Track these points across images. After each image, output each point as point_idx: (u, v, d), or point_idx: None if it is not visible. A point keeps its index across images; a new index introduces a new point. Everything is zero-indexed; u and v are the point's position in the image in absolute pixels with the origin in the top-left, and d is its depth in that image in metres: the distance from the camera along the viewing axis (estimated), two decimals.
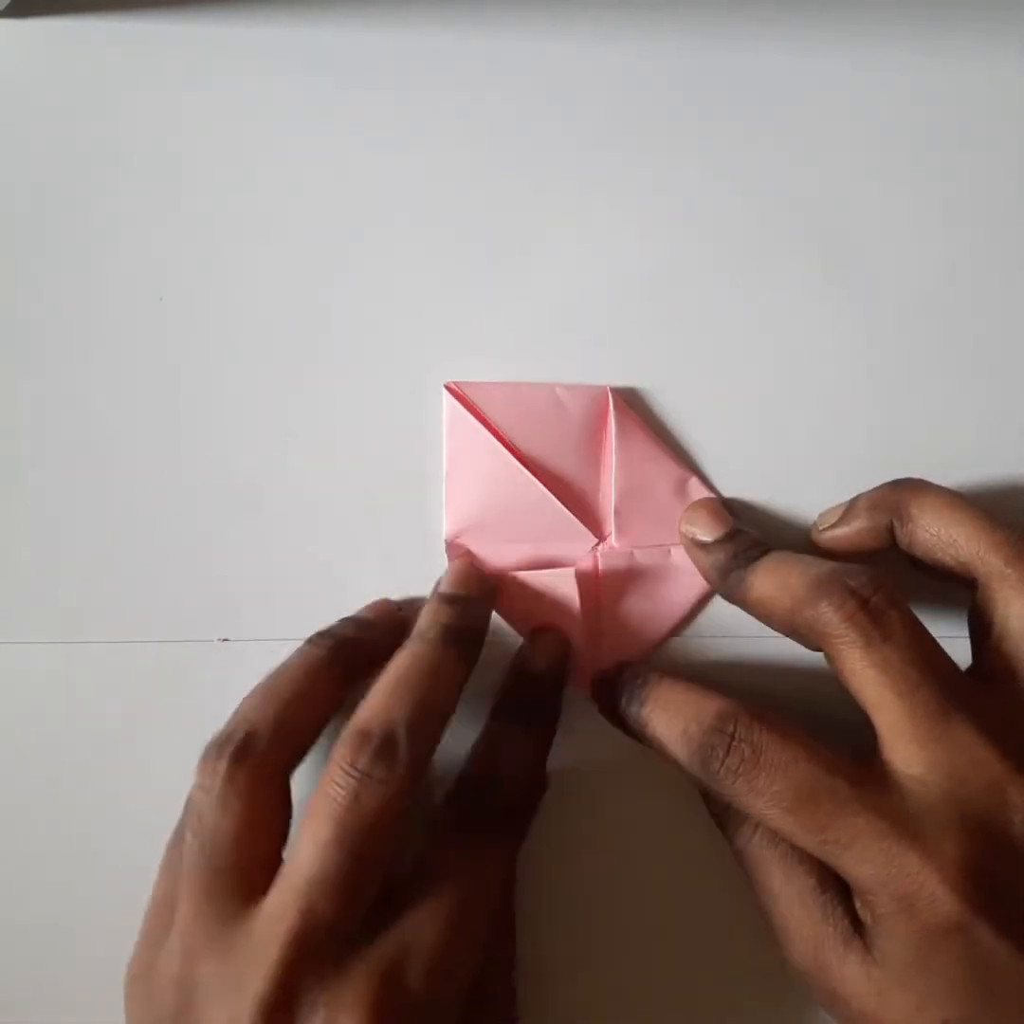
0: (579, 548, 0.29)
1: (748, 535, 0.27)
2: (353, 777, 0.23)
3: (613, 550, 0.29)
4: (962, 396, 0.30)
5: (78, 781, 0.29)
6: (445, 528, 0.29)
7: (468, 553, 0.29)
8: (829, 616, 0.23)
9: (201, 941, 0.23)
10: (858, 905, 0.23)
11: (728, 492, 0.29)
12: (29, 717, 0.29)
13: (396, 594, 0.29)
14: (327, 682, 0.26)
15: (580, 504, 0.29)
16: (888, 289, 0.30)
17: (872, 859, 0.22)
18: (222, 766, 0.24)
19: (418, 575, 0.29)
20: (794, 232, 0.30)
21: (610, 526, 0.29)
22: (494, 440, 0.28)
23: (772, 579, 0.25)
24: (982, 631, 0.25)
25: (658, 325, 0.30)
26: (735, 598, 0.26)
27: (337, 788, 0.23)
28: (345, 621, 0.28)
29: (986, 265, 0.30)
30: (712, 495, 0.29)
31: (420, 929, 0.23)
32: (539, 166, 0.30)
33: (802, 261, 0.30)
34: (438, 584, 0.28)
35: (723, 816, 0.26)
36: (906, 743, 0.23)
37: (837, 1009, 0.23)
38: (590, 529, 0.29)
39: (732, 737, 0.23)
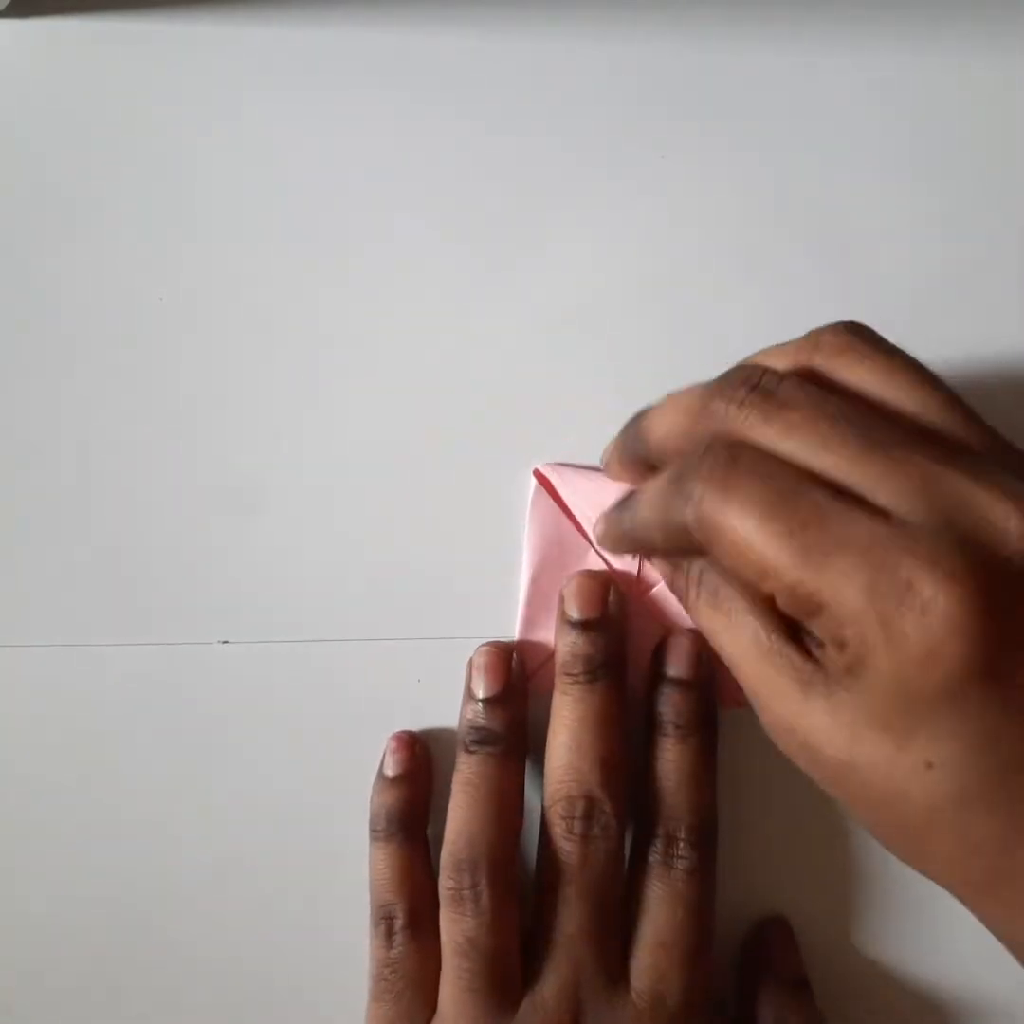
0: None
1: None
2: (574, 841, 0.26)
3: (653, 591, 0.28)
4: (963, 397, 0.30)
5: (78, 784, 0.29)
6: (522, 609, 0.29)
7: (586, 572, 0.28)
8: (722, 411, 0.22)
9: None
10: (827, 644, 0.21)
11: None
12: (29, 720, 0.29)
13: (392, 590, 0.29)
14: (511, 790, 0.27)
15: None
16: (889, 289, 0.30)
17: (857, 568, 0.19)
18: (483, 894, 0.26)
19: (418, 574, 0.29)
20: (794, 232, 0.30)
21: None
22: (574, 529, 0.28)
23: (664, 424, 0.24)
24: None
25: (657, 325, 0.30)
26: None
27: (566, 853, 0.26)
28: (488, 717, 0.27)
29: (987, 265, 0.30)
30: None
31: (667, 963, 0.26)
32: (538, 165, 0.30)
33: (802, 261, 0.30)
34: (562, 601, 0.28)
35: (675, 589, 0.25)
36: (878, 488, 0.20)
37: (813, 762, 0.21)
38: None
39: (710, 454, 0.21)
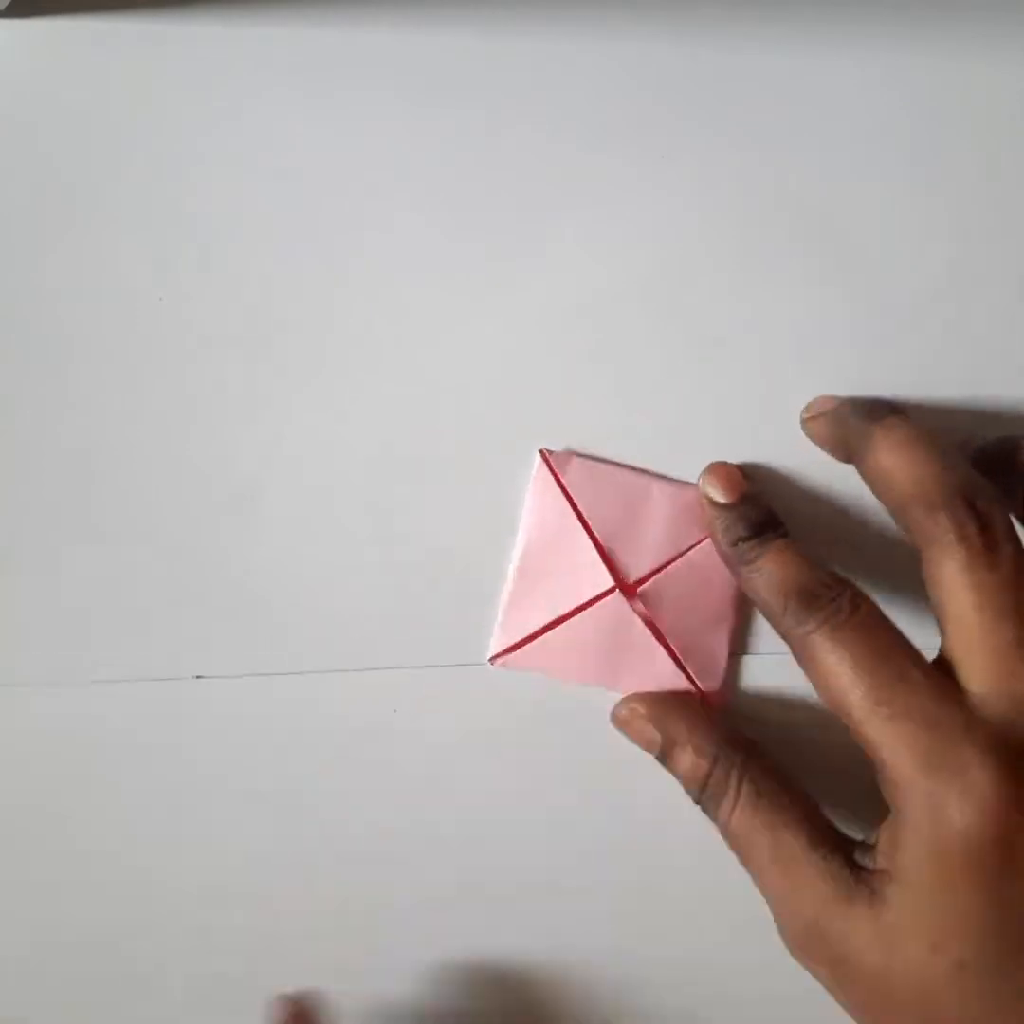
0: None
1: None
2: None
3: (643, 590, 0.28)
4: (964, 399, 0.30)
5: (51, 825, 0.29)
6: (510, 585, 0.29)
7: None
8: (945, 528, 0.23)
9: None
10: (873, 853, 0.22)
11: None
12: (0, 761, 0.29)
13: (367, 620, 0.29)
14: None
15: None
16: (890, 291, 0.30)
17: (918, 741, 0.21)
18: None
19: (392, 604, 0.29)
20: (794, 232, 0.30)
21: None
22: (577, 520, 0.28)
23: (896, 458, 0.24)
24: None
25: (657, 325, 0.30)
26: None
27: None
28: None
29: (988, 266, 0.30)
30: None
31: None
32: (538, 165, 0.30)
33: (801, 261, 0.30)
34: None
35: (704, 793, 0.25)
36: (975, 665, 0.22)
37: (843, 976, 0.22)
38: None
39: (838, 596, 0.24)
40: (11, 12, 0.29)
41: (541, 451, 0.29)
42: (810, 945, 0.23)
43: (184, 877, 0.29)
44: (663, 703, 0.27)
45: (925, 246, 0.30)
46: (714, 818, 0.25)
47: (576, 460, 0.29)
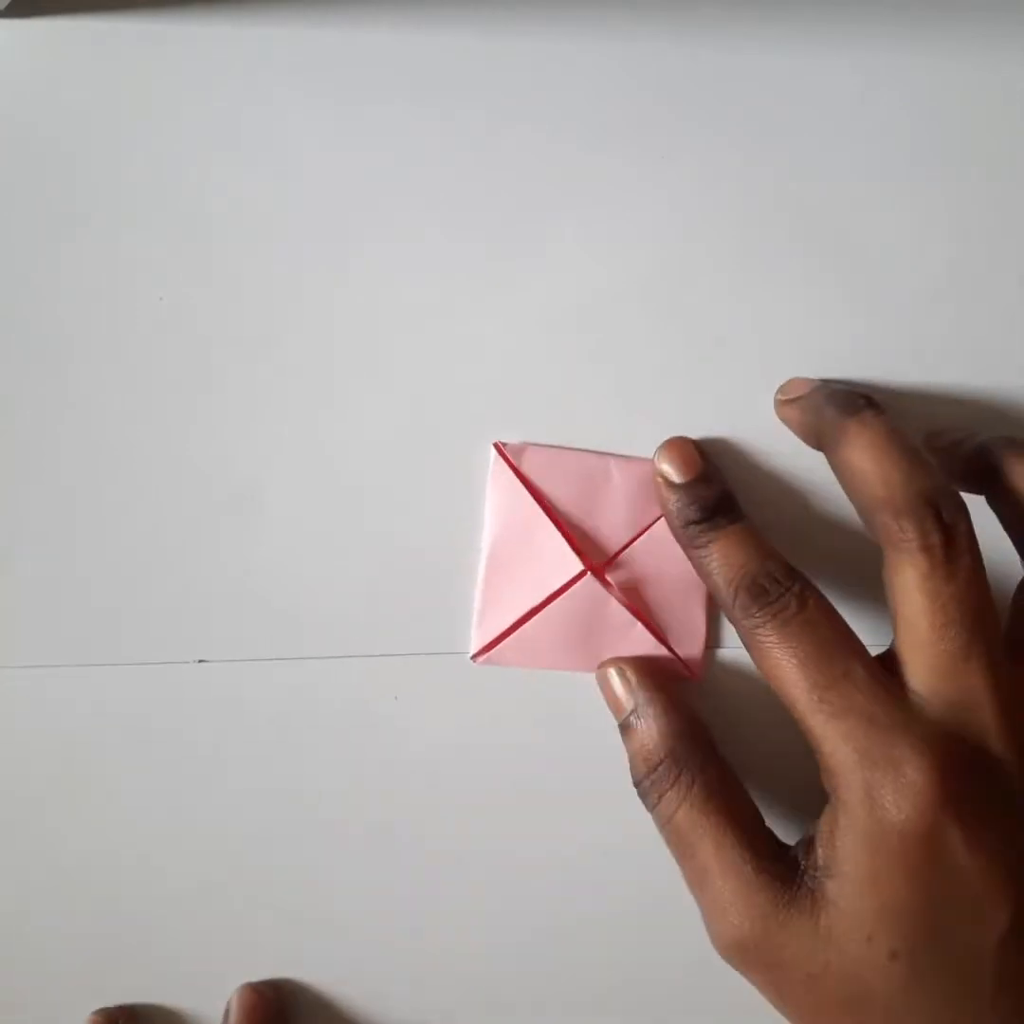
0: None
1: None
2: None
3: (614, 569, 0.28)
4: (964, 399, 0.30)
5: (53, 807, 0.29)
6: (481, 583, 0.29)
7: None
8: (909, 535, 0.23)
9: None
10: (813, 845, 0.23)
11: None
12: (3, 741, 0.29)
13: (367, 606, 0.29)
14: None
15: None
16: (890, 291, 0.30)
17: (858, 738, 0.22)
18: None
19: (391, 590, 0.29)
20: (794, 232, 0.30)
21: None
22: (539, 509, 0.28)
23: (867, 457, 0.24)
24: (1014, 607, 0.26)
25: (657, 325, 0.30)
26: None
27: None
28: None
29: (988, 266, 0.30)
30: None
31: None
32: (538, 165, 0.30)
33: (802, 261, 0.30)
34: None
35: (647, 779, 0.25)
36: (919, 666, 0.23)
37: (778, 981, 0.23)
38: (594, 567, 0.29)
39: (785, 592, 0.24)
40: (11, 12, 0.29)
41: (495, 444, 0.29)
42: (744, 953, 0.23)
43: (183, 859, 0.29)
44: (649, 675, 0.27)
45: (925, 246, 0.30)
46: (650, 808, 0.25)
47: (531, 448, 0.29)
